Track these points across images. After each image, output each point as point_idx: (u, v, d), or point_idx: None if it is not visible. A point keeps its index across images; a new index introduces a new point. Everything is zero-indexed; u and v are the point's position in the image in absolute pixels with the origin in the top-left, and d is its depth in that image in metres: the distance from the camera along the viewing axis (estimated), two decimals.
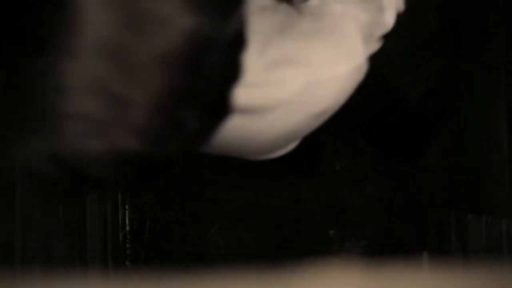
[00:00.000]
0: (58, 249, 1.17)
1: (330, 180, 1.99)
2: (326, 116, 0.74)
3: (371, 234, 1.98)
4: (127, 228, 1.91)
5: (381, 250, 1.98)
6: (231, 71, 0.48)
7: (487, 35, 1.66)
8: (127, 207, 1.88)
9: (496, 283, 0.48)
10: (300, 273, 0.41)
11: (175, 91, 0.45)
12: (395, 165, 1.98)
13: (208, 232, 1.92)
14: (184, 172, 1.87)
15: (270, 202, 1.71)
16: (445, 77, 1.98)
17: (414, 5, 1.99)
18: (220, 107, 0.49)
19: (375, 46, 0.83)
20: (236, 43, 0.48)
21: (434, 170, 1.99)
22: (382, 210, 1.99)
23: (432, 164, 1.99)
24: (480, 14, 1.75)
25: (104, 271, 1.58)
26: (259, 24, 0.67)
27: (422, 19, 2.00)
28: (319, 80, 0.70)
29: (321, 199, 1.99)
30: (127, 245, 1.92)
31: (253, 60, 0.63)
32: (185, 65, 0.44)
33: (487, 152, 1.63)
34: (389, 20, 0.85)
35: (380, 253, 1.97)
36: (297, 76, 0.68)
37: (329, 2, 0.75)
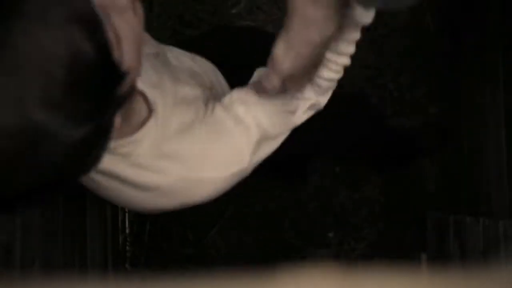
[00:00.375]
0: (58, 252, 1.17)
1: (329, 182, 1.99)
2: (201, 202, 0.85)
3: (370, 236, 1.98)
4: (127, 230, 1.92)
5: (380, 252, 1.98)
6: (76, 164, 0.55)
7: (485, 36, 1.66)
8: (126, 209, 1.88)
9: (494, 284, 0.48)
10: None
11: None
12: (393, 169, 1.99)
13: (207, 234, 1.92)
14: None
15: (269, 204, 1.71)
16: (443, 78, 1.99)
17: (414, 7, 2.01)
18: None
19: (277, 142, 0.92)
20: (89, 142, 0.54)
21: (432, 173, 1.99)
22: (381, 212, 1.99)
23: (431, 167, 1.99)
24: (479, 15, 1.75)
25: (104, 274, 1.58)
26: (167, 119, 0.80)
27: (421, 20, 2.01)
28: (195, 179, 0.81)
29: (320, 201, 1.99)
30: (127, 247, 1.92)
31: (147, 149, 0.77)
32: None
33: (485, 155, 1.63)
34: (298, 121, 0.94)
35: (379, 255, 1.98)
36: (176, 171, 0.79)
37: (236, 104, 0.86)
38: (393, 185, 1.99)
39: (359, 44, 2.10)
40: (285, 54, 0.75)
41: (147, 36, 0.97)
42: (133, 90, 0.64)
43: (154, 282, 0.42)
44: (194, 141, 0.82)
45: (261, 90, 0.86)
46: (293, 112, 0.92)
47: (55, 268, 1.16)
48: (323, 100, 0.98)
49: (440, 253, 1.68)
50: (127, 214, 1.87)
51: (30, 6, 0.48)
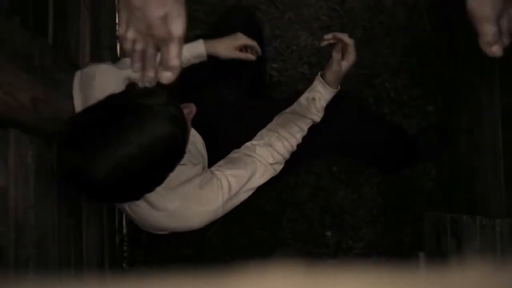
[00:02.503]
0: (54, 252, 1.17)
1: (327, 182, 1.99)
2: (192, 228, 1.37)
3: (368, 236, 1.98)
4: (124, 230, 1.92)
5: (378, 251, 1.98)
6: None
7: None
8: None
9: (491, 283, 0.48)
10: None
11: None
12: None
13: (206, 233, 1.92)
14: None
15: (267, 204, 1.71)
16: (440, 78, 1.99)
17: (410, 7, 2.01)
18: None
19: (239, 198, 1.40)
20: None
21: (429, 172, 1.99)
22: (379, 211, 1.99)
23: (428, 166, 1.99)
24: None
25: (101, 274, 1.58)
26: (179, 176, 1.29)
27: (418, 20, 2.01)
28: (191, 209, 1.31)
29: (318, 201, 1.99)
30: (124, 247, 1.92)
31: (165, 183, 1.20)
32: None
33: (482, 154, 1.63)
34: (256, 183, 1.40)
35: (377, 254, 1.97)
36: (179, 201, 1.30)
37: (215, 169, 1.38)
38: (390, 184, 1.99)
39: (356, 45, 2.11)
40: (480, 1, 0.83)
41: None
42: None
43: (151, 281, 0.43)
44: (192, 186, 1.32)
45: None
46: (252, 176, 1.38)
47: (51, 268, 1.16)
48: (278, 167, 1.43)
49: (437, 251, 1.67)
50: (124, 215, 1.86)
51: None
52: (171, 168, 1.15)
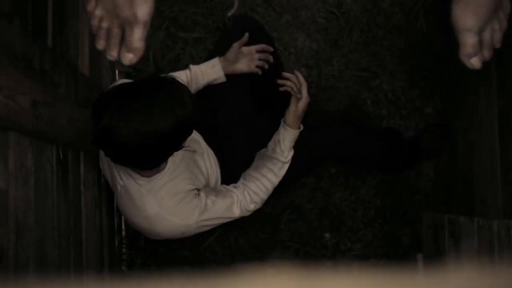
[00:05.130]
0: (54, 254, 1.17)
1: (325, 184, 2.00)
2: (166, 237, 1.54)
3: (366, 237, 1.99)
4: (123, 233, 1.92)
5: (376, 252, 1.98)
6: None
7: None
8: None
9: (489, 283, 0.48)
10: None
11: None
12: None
13: (206, 240, 1.92)
14: None
15: (265, 206, 1.71)
16: (438, 80, 1.99)
17: (407, 9, 2.02)
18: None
19: (221, 220, 1.56)
20: None
21: (427, 174, 2.00)
22: (377, 213, 1.99)
23: (426, 167, 2.00)
24: None
25: (100, 276, 1.58)
26: (170, 180, 1.46)
27: (415, 22, 2.02)
28: (166, 218, 1.45)
29: (316, 202, 1.99)
30: (123, 250, 1.92)
31: (150, 188, 1.44)
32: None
33: (480, 155, 1.64)
34: (236, 213, 1.55)
35: (375, 256, 1.98)
36: (157, 209, 1.44)
37: (203, 194, 1.52)
38: (388, 186, 1.99)
39: (353, 47, 2.11)
40: (463, 13, 0.85)
41: (199, 137, 1.66)
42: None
43: (150, 284, 0.43)
44: (174, 200, 1.44)
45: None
46: (228, 207, 1.53)
47: (51, 270, 1.16)
48: (252, 206, 1.58)
49: (435, 253, 1.68)
50: (123, 217, 1.87)
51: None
52: (182, 141, 1.32)
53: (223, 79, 1.71)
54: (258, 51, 1.72)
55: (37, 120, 1.08)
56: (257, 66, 1.73)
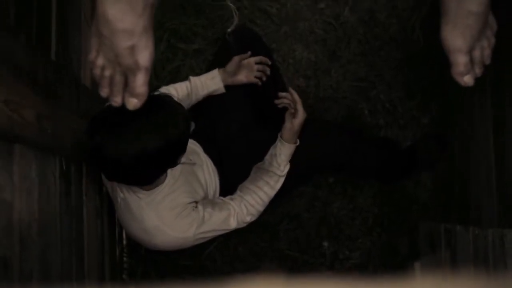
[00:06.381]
0: (57, 264, 1.19)
1: (323, 193, 2.02)
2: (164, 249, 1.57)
3: (364, 246, 2.00)
4: (124, 242, 1.93)
5: (374, 261, 2.00)
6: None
7: None
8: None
9: None
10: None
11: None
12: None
13: (206, 250, 1.93)
14: None
15: (265, 215, 1.73)
16: (435, 90, 2.02)
17: (403, 21, 2.04)
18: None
19: (217, 232, 1.59)
20: None
21: (425, 183, 2.02)
22: (375, 222, 2.01)
23: (423, 176, 2.02)
24: None
25: (101, 285, 1.60)
26: (170, 193, 1.49)
27: (411, 34, 2.04)
28: (164, 230, 1.47)
29: (315, 211, 2.01)
30: (124, 259, 1.94)
31: (151, 201, 1.47)
32: None
33: (475, 165, 1.66)
34: (232, 225, 1.58)
35: (373, 265, 2.00)
36: (156, 221, 1.47)
37: (201, 207, 1.54)
38: (386, 195, 2.01)
39: (351, 58, 2.13)
40: (451, 34, 0.88)
41: (199, 148, 1.70)
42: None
43: None
44: (172, 213, 1.47)
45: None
46: (225, 220, 1.55)
47: (53, 279, 1.18)
48: (249, 218, 1.61)
49: (432, 261, 1.70)
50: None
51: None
52: (175, 159, 1.34)
53: (222, 90, 1.74)
54: (256, 63, 1.75)
55: (41, 132, 1.10)
56: (255, 77, 1.76)
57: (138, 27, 0.79)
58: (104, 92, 0.88)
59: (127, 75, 0.85)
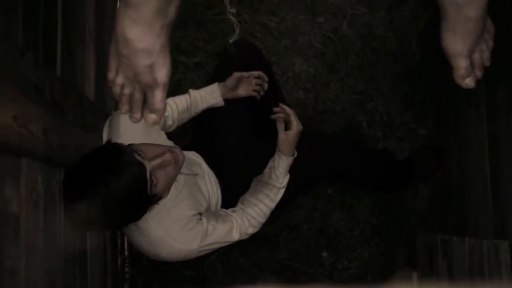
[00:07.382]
0: (62, 274, 1.22)
1: (322, 204, 2.04)
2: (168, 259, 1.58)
3: (362, 256, 2.02)
4: (126, 252, 1.95)
5: (372, 271, 2.02)
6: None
7: None
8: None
9: None
10: None
11: None
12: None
13: (207, 260, 1.96)
14: None
15: (265, 226, 1.75)
16: (431, 103, 2.05)
17: (401, 35, 2.08)
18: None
19: (221, 244, 1.63)
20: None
21: (422, 194, 2.04)
22: (373, 232, 2.03)
23: (421, 187, 2.04)
24: None
25: None
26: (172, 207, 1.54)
27: (408, 48, 2.08)
28: (168, 241, 1.51)
29: (313, 222, 2.04)
30: (126, 269, 1.96)
31: (156, 214, 1.51)
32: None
33: (471, 176, 1.68)
34: (235, 237, 1.62)
35: (372, 274, 2.02)
36: (160, 233, 1.51)
37: (205, 220, 1.58)
38: (384, 206, 2.04)
39: (349, 71, 2.17)
40: (452, 39, 0.91)
41: (200, 159, 1.74)
42: (159, 199, 1.45)
43: None
44: (177, 226, 1.51)
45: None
46: (228, 232, 1.59)
47: None
48: (251, 230, 1.65)
49: (430, 272, 1.72)
50: (125, 237, 1.91)
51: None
52: (138, 210, 1.42)
53: (221, 103, 1.77)
54: (255, 77, 1.78)
55: (48, 146, 1.13)
56: (254, 91, 1.79)
57: (156, 46, 0.82)
58: (124, 109, 0.91)
59: (145, 92, 0.88)
